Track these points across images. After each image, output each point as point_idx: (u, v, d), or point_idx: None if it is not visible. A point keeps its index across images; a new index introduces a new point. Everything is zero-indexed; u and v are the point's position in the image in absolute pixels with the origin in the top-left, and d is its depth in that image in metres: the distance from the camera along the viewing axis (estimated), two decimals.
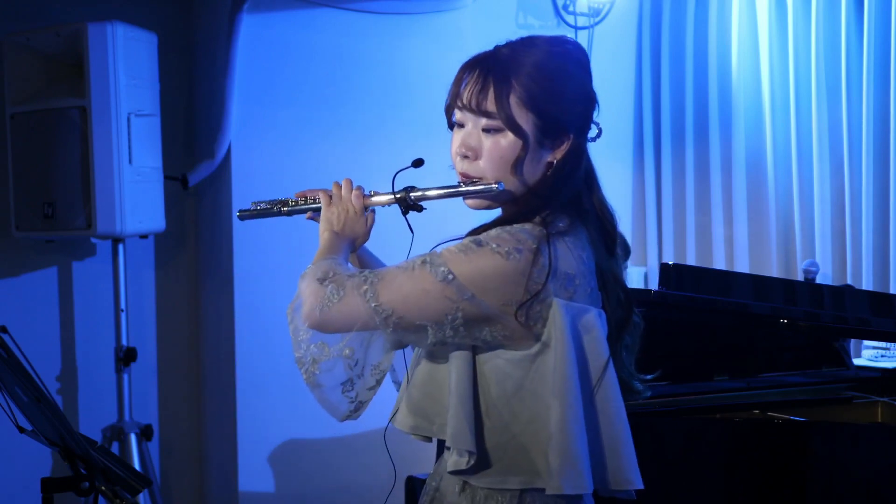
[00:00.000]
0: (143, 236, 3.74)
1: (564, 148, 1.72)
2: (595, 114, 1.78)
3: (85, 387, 3.89)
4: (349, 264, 1.80)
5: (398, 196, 1.77)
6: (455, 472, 1.69)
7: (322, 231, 1.81)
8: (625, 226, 4.95)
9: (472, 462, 1.66)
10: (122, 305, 3.69)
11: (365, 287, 1.63)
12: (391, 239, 1.87)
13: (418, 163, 1.82)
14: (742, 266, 4.58)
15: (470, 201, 1.73)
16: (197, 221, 4.11)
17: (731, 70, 4.63)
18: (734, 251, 4.64)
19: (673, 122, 4.83)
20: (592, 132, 1.79)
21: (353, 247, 1.82)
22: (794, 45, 4.44)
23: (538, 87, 1.67)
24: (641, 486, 1.69)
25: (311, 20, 3.96)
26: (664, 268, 3.01)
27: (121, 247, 3.68)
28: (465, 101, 1.69)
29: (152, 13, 3.92)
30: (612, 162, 4.88)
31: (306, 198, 1.87)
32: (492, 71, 1.67)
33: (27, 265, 3.83)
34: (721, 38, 4.67)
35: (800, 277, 4.15)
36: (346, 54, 4.00)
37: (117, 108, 3.43)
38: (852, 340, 3.93)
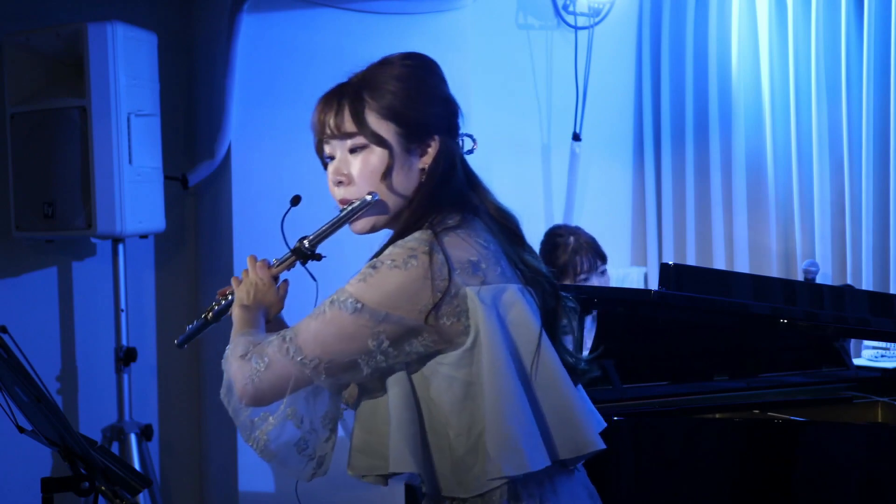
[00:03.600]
0: (143, 236, 3.74)
1: (433, 151, 1.73)
2: (460, 120, 1.78)
3: (85, 387, 3.89)
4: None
5: (294, 249, 1.79)
6: (447, 498, 1.67)
7: (234, 309, 1.80)
8: (625, 226, 4.96)
9: (425, 482, 1.65)
10: (122, 305, 3.69)
11: (286, 345, 1.63)
12: (300, 296, 1.85)
13: (296, 200, 1.86)
14: (742, 266, 4.58)
15: (356, 225, 1.74)
16: (197, 221, 4.11)
17: (731, 70, 4.63)
18: (734, 251, 4.64)
19: (673, 122, 4.83)
20: (468, 145, 1.79)
21: (267, 316, 1.81)
22: (794, 45, 4.44)
23: (392, 96, 1.70)
24: (604, 447, 1.67)
25: (312, 20, 3.96)
26: (664, 268, 3.01)
27: (121, 247, 3.68)
28: (327, 130, 1.73)
29: (152, 13, 3.92)
30: (612, 162, 4.88)
31: (225, 293, 1.87)
32: (345, 94, 1.72)
33: (27, 265, 3.83)
34: (721, 38, 4.67)
35: (800, 277, 4.15)
36: (346, 54, 3.99)
37: (117, 108, 3.43)
38: (852, 340, 3.93)
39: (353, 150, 1.72)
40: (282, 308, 1.85)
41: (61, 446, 2.07)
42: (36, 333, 3.79)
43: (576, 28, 4.69)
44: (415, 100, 1.71)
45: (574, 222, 4.11)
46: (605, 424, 1.78)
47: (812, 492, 2.68)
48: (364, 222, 1.74)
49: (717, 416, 2.94)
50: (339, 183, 1.73)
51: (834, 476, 2.68)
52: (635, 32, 4.93)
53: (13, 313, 3.71)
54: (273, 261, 1.83)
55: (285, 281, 1.84)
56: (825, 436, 2.73)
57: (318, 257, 1.79)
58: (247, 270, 1.83)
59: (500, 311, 1.63)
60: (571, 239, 3.62)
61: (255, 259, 1.84)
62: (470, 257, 1.64)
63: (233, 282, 1.84)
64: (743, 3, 4.60)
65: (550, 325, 1.72)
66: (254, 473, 3.92)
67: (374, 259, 1.65)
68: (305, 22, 3.95)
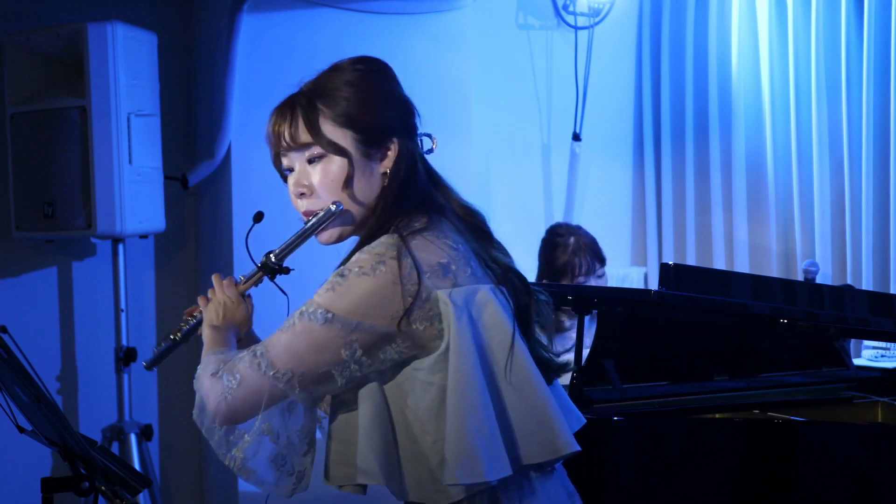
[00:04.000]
0: (143, 236, 3.74)
1: (393, 154, 1.70)
2: (417, 120, 1.76)
3: (85, 387, 3.89)
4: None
5: (261, 264, 1.77)
6: None
7: (203, 330, 1.79)
8: (625, 226, 4.96)
9: (395, 493, 1.63)
10: (122, 305, 3.69)
11: (257, 361, 1.61)
12: (272, 311, 1.83)
13: (259, 217, 1.84)
14: (742, 266, 4.59)
15: (322, 236, 1.72)
16: (197, 221, 4.11)
17: (731, 70, 4.63)
18: (734, 251, 4.64)
19: (673, 122, 4.83)
20: (427, 144, 1.77)
21: (238, 334, 1.80)
22: (794, 45, 4.44)
23: (347, 102, 1.68)
24: (578, 449, 1.65)
25: (312, 20, 3.96)
26: (664, 268, 3.01)
27: (121, 247, 3.68)
28: (283, 143, 1.70)
29: (152, 13, 3.92)
30: (612, 162, 4.88)
31: (192, 313, 1.85)
32: (297, 104, 1.70)
33: (27, 265, 3.83)
34: (721, 38, 4.68)
35: (800, 277, 4.16)
36: (346, 54, 3.98)
37: (117, 108, 3.43)
38: (852, 340, 3.93)
39: (311, 161, 1.69)
40: (251, 325, 1.82)
41: (61, 446, 2.07)
42: (36, 333, 3.79)
43: (576, 28, 4.69)
44: (369, 104, 1.69)
45: (574, 222, 4.11)
46: (584, 421, 1.77)
47: (812, 492, 2.68)
48: (330, 233, 1.71)
49: (717, 416, 2.94)
50: (302, 195, 1.71)
51: (834, 476, 2.68)
52: (635, 32, 4.93)
53: (13, 313, 3.71)
54: (240, 278, 1.80)
55: (248, 297, 1.82)
56: (825, 436, 2.73)
57: (286, 271, 1.77)
58: (213, 289, 1.80)
59: (473, 313, 1.61)
60: (572, 240, 3.63)
61: (220, 277, 1.81)
62: (439, 260, 1.62)
63: (200, 301, 1.82)
64: (743, 3, 4.60)
65: (524, 321, 1.70)
66: None
67: (342, 267, 1.62)
68: (305, 22, 3.95)
